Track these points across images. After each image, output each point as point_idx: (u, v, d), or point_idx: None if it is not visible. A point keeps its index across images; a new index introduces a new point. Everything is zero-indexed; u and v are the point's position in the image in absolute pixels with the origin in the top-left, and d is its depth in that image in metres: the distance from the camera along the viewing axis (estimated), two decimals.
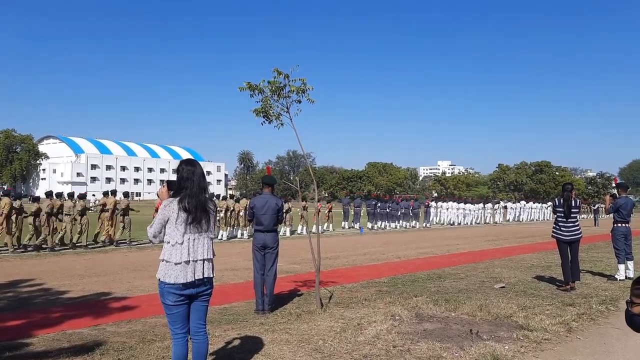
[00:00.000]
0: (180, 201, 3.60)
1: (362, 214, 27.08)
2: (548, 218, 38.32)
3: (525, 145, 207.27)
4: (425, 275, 10.07)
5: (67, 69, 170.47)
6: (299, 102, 6.69)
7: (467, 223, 31.87)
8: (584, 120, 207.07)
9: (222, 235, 18.39)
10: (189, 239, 3.61)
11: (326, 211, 24.01)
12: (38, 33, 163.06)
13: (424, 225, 28.98)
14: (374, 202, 26.37)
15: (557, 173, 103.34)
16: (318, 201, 9.40)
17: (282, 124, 6.78)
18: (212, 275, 3.73)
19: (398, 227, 26.99)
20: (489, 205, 36.53)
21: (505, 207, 39.07)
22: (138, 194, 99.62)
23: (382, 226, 26.27)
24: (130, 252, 14.18)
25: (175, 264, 3.55)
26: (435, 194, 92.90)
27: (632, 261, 9.80)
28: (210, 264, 3.72)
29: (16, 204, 13.95)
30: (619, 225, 9.67)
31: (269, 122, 6.78)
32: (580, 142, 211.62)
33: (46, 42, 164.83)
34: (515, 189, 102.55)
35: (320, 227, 22.77)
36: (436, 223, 31.28)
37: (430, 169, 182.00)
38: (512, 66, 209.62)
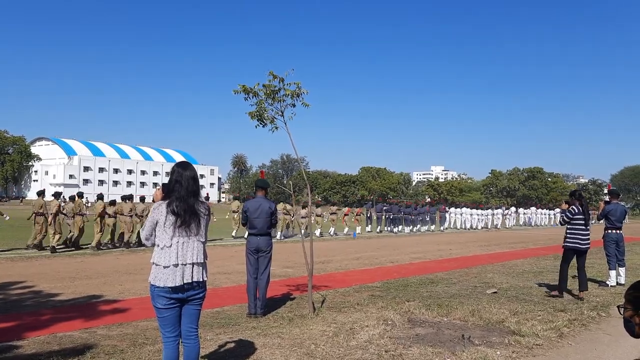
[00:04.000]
0: (168, 204, 3.59)
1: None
2: (552, 224, 39.48)
3: (518, 152, 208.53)
4: (418, 280, 10.09)
5: (60, 70, 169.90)
6: (294, 105, 6.70)
7: (479, 227, 33.26)
8: (576, 126, 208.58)
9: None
10: (177, 242, 3.58)
11: (355, 215, 25.76)
12: (31, 35, 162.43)
13: (440, 229, 30.60)
14: (395, 208, 28.05)
15: (549, 179, 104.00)
16: (308, 206, 9.36)
17: (276, 128, 6.78)
18: (202, 279, 3.68)
19: (415, 231, 28.42)
20: (499, 210, 38.43)
21: (517, 213, 41.16)
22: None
23: (401, 230, 27.82)
24: (122, 255, 14.11)
25: (164, 267, 3.53)
26: (429, 199, 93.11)
27: (623, 267, 9.85)
28: (201, 267, 3.68)
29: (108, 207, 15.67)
30: (610, 231, 9.72)
31: (263, 126, 6.78)
32: (572, 148, 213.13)
33: (39, 44, 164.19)
34: (508, 194, 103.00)
35: (349, 229, 24.78)
36: (451, 227, 32.65)
37: (424, 174, 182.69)
38: (504, 73, 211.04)
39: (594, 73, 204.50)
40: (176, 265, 3.54)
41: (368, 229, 27.35)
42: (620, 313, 1.97)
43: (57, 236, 14.30)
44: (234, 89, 6.59)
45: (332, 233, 23.57)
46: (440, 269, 11.97)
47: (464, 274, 11.04)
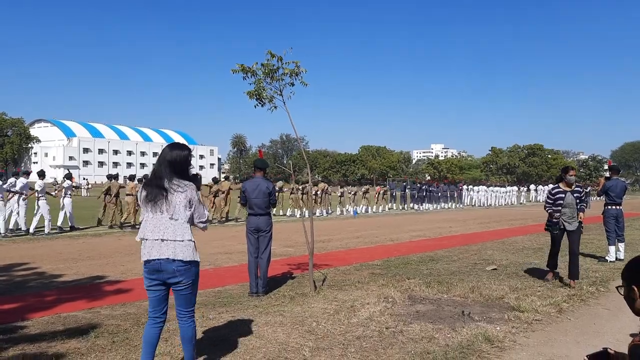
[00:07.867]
0: (145, 183, 3.74)
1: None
2: None
3: (517, 128, 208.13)
4: (418, 257, 10.15)
5: (58, 52, 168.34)
6: (292, 85, 6.63)
7: (496, 204, 34.79)
8: (576, 103, 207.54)
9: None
10: (150, 217, 3.63)
11: (382, 194, 27.67)
12: (29, 17, 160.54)
13: (458, 206, 32.85)
14: (418, 186, 30.74)
15: (549, 156, 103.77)
16: (311, 184, 9.36)
17: (275, 107, 6.73)
18: (178, 258, 3.52)
19: (438, 208, 30.74)
20: (514, 188, 40.17)
21: (536, 190, 43.15)
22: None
23: (426, 207, 29.94)
24: (123, 235, 14.17)
25: (141, 239, 3.62)
26: (429, 177, 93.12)
27: (623, 243, 9.90)
28: (174, 245, 3.52)
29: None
30: (610, 207, 9.75)
31: (262, 105, 6.73)
32: (572, 125, 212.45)
33: (38, 26, 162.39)
34: (508, 172, 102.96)
35: (371, 208, 26.51)
36: (469, 204, 34.23)
37: (424, 152, 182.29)
38: (504, 50, 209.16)
39: (593, 48, 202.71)
40: (146, 240, 3.59)
41: (392, 206, 29.45)
42: (620, 293, 1.98)
43: (125, 214, 16.42)
44: (233, 69, 6.53)
45: (364, 210, 25.64)
46: (440, 246, 12.02)
47: (463, 251, 11.10)
